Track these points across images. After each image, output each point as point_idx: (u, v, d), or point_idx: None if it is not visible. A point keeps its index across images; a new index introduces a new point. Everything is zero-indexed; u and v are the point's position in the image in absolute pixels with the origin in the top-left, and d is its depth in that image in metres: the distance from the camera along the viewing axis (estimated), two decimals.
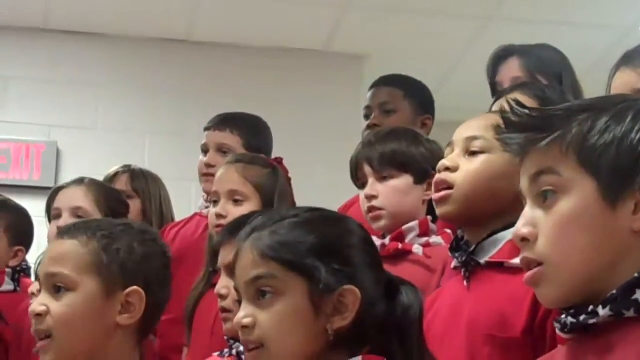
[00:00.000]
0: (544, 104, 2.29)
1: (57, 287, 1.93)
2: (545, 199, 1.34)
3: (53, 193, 3.17)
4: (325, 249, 1.61)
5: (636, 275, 1.27)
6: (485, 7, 5.31)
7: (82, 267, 1.93)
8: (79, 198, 3.08)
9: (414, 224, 2.43)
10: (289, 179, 2.93)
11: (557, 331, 1.35)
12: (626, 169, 1.29)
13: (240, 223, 2.22)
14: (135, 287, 1.93)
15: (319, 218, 1.67)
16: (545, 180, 1.34)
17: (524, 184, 1.38)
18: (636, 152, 1.29)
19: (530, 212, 1.35)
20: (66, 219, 3.00)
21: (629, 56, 2.27)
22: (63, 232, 2.03)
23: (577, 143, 1.32)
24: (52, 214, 3.13)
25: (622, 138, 1.30)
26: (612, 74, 2.28)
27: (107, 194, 3.15)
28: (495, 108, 2.52)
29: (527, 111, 1.37)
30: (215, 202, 2.82)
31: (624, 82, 2.23)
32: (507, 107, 1.39)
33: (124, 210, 3.22)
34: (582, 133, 1.32)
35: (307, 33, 5.60)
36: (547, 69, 3.05)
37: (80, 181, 3.16)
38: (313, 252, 1.59)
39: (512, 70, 3.09)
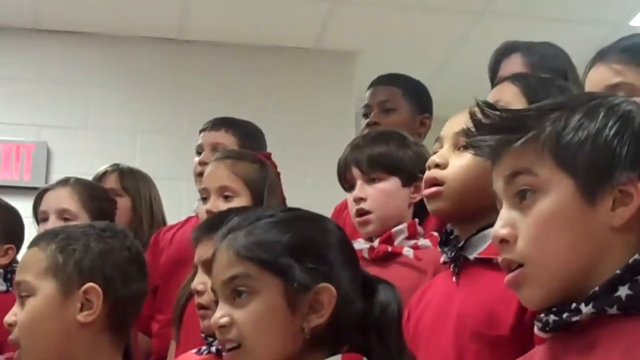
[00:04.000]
0: (531, 98, 2.28)
1: (22, 296, 1.97)
2: (522, 200, 1.33)
3: (39, 195, 3.17)
4: (300, 248, 1.62)
5: (618, 272, 1.26)
6: (476, 2, 5.31)
7: (41, 271, 1.96)
8: (65, 200, 3.08)
9: (402, 226, 2.44)
10: (278, 174, 2.93)
11: (536, 330, 1.35)
12: (602, 165, 1.29)
13: (216, 220, 2.22)
14: (90, 284, 1.94)
15: (294, 218, 1.68)
16: (521, 181, 1.33)
17: (498, 185, 1.38)
18: (611, 148, 1.29)
19: (507, 214, 1.35)
20: (53, 222, 2.99)
21: (603, 52, 2.26)
22: (31, 243, 2.06)
23: (551, 142, 1.32)
24: (39, 217, 3.12)
25: (596, 135, 1.30)
26: (587, 70, 2.27)
27: (93, 193, 3.15)
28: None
29: (498, 112, 1.37)
30: (205, 199, 2.81)
31: (598, 78, 2.22)
32: (476, 110, 1.38)
33: (112, 207, 3.21)
34: (555, 132, 1.32)
35: (298, 31, 5.60)
36: (551, 66, 3.04)
37: (65, 182, 3.16)
38: (288, 251, 1.60)
39: (514, 66, 3.07)
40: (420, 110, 3.48)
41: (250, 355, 1.59)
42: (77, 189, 3.10)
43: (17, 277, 1.98)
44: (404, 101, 3.46)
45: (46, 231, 2.14)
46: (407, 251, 2.37)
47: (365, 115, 3.50)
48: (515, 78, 2.45)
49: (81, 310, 1.93)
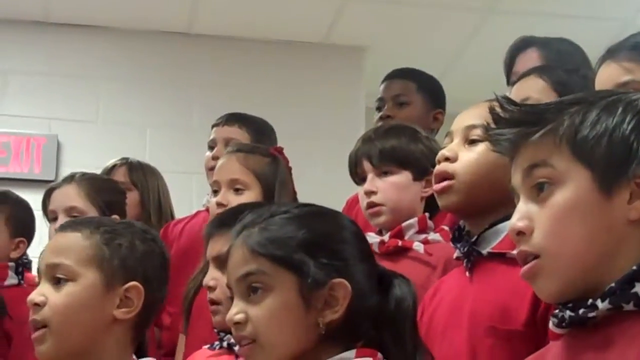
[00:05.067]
0: (562, 91, 2.28)
1: (57, 278, 1.94)
2: (539, 192, 1.34)
3: (46, 194, 3.16)
4: (314, 243, 1.62)
5: (635, 268, 1.27)
6: None
7: (84, 259, 1.94)
8: (72, 197, 3.08)
9: (413, 220, 2.44)
10: (290, 168, 2.93)
11: (551, 326, 1.36)
12: (619, 159, 1.30)
13: (228, 215, 2.23)
14: (134, 283, 1.95)
15: (308, 213, 1.69)
16: (539, 173, 1.34)
17: (516, 178, 1.39)
18: (628, 142, 1.31)
19: (524, 206, 1.36)
20: (62, 221, 2.98)
21: (613, 50, 2.25)
22: (66, 226, 2.04)
23: (569, 135, 1.33)
24: (49, 217, 3.12)
25: (614, 129, 1.31)
26: (597, 68, 2.27)
27: (99, 187, 3.15)
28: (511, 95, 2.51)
29: (517, 107, 1.38)
30: (216, 192, 2.81)
31: (607, 76, 2.21)
32: (496, 104, 1.39)
33: (121, 199, 3.22)
34: (574, 125, 1.33)
35: (307, 25, 5.60)
36: (567, 61, 3.04)
37: (70, 179, 3.16)
38: (302, 247, 1.61)
39: (530, 60, 3.07)
40: (434, 105, 3.49)
41: (266, 351, 1.60)
42: (82, 185, 3.11)
43: (53, 258, 1.95)
44: (418, 95, 3.48)
45: (86, 218, 2.14)
46: (417, 246, 2.37)
47: (379, 109, 3.51)
48: (541, 71, 2.43)
49: (118, 306, 1.93)
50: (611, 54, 2.25)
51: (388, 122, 3.32)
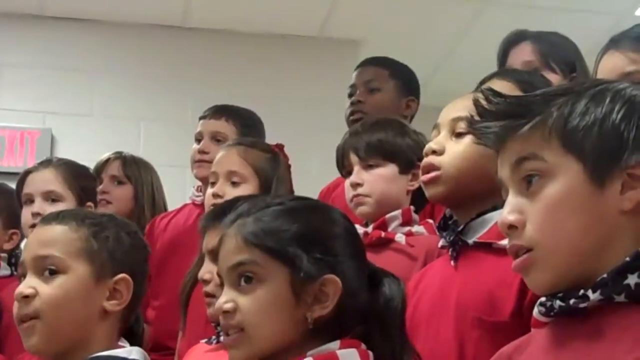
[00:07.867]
0: (527, 89, 2.28)
1: (47, 270, 1.93)
2: (528, 185, 1.32)
3: (22, 177, 3.16)
4: (308, 237, 1.62)
5: (627, 259, 1.26)
6: None
7: (73, 251, 1.94)
8: (50, 181, 3.08)
9: (396, 212, 2.44)
10: (289, 166, 2.93)
11: (536, 314, 1.35)
12: (610, 149, 1.29)
13: (224, 208, 2.22)
14: (123, 275, 1.95)
15: (303, 207, 1.68)
16: (528, 166, 1.33)
17: (504, 171, 1.37)
18: (619, 131, 1.29)
19: (514, 199, 1.34)
20: (39, 204, 3.01)
21: (616, 40, 2.25)
22: (50, 218, 2.03)
23: (558, 126, 1.31)
24: (23, 200, 3.12)
25: (603, 119, 1.30)
26: (599, 57, 2.26)
27: (76, 173, 3.15)
28: None
29: (503, 99, 1.36)
30: (213, 184, 2.81)
31: (612, 65, 2.21)
32: (480, 97, 1.37)
33: (94, 186, 3.24)
34: (562, 116, 1.32)
35: (302, 19, 5.60)
36: (561, 55, 3.04)
37: (47, 163, 3.17)
38: (295, 241, 1.60)
39: (524, 54, 3.08)
40: (407, 92, 3.47)
41: (251, 342, 1.59)
42: (60, 170, 3.11)
43: (41, 250, 1.95)
44: (390, 82, 3.46)
45: (68, 211, 2.13)
46: (399, 237, 2.38)
47: (350, 95, 3.50)
48: (504, 74, 2.41)
49: (108, 298, 1.94)
50: (615, 43, 2.25)
51: (359, 107, 3.36)
